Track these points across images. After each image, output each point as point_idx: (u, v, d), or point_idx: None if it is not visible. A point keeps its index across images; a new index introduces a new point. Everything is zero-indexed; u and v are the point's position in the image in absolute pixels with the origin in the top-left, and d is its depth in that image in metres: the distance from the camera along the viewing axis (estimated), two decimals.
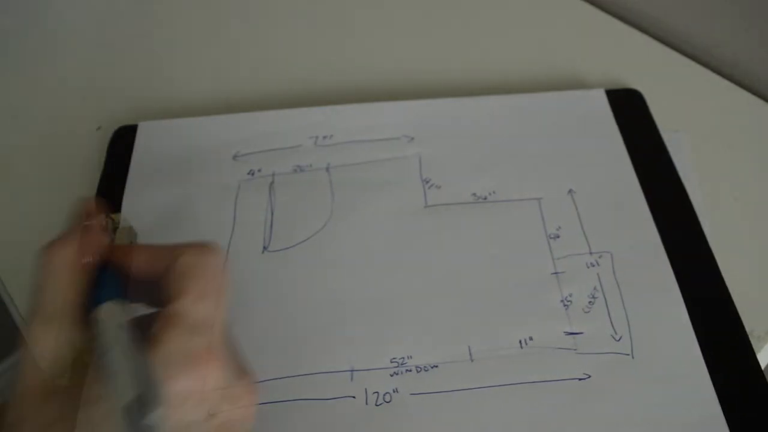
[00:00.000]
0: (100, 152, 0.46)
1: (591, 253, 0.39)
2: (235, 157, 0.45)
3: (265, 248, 0.40)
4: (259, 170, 0.44)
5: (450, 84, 0.49)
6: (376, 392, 0.35)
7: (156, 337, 0.24)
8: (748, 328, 0.36)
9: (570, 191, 0.42)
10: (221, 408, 0.25)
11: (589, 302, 0.37)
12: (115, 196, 0.43)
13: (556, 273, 0.39)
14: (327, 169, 0.44)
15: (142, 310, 0.27)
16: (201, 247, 0.26)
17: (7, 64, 0.55)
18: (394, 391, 0.35)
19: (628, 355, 0.35)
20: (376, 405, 0.35)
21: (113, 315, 0.24)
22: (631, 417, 0.33)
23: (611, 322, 0.37)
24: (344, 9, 0.57)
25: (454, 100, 0.47)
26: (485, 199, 0.42)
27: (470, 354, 0.36)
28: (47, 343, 0.24)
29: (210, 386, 0.24)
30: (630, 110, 0.46)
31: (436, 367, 0.36)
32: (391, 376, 0.35)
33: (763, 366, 0.36)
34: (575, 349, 0.36)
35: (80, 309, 0.25)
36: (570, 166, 0.43)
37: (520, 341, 0.36)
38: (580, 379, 0.35)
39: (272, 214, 0.42)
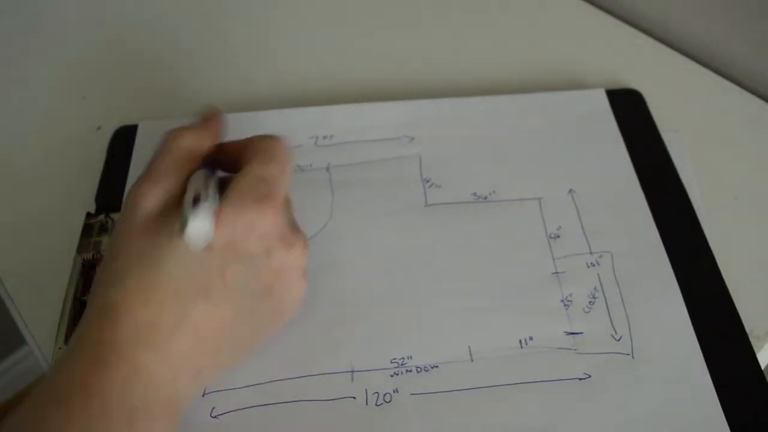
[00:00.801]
0: (100, 152, 0.46)
1: (591, 253, 0.39)
2: None
3: None
4: None
5: (450, 84, 0.49)
6: (377, 392, 0.35)
7: (230, 185, 0.31)
8: (748, 328, 0.36)
9: (570, 191, 0.42)
10: (278, 247, 0.31)
11: (589, 302, 0.37)
12: (115, 196, 0.43)
13: (556, 273, 0.39)
14: (327, 169, 0.44)
15: None
16: (268, 135, 0.34)
17: (7, 64, 0.55)
18: (394, 392, 0.35)
19: (628, 355, 0.35)
20: (377, 405, 0.35)
21: (201, 175, 0.31)
22: (631, 417, 0.33)
23: (611, 322, 0.37)
24: (344, 9, 0.57)
25: (455, 100, 0.47)
26: (485, 198, 0.42)
27: (470, 354, 0.36)
28: (151, 195, 0.31)
29: (269, 224, 0.31)
30: (630, 110, 0.46)
31: (436, 367, 0.36)
32: (392, 376, 0.35)
33: (763, 366, 0.36)
34: (575, 349, 0.36)
35: (182, 178, 0.32)
36: (570, 166, 0.43)
37: (520, 341, 0.36)
38: (580, 379, 0.35)
39: None
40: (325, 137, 0.45)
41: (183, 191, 0.31)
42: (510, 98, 0.47)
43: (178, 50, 0.54)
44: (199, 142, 0.33)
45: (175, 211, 0.30)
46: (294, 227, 0.34)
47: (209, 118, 0.35)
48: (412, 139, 0.45)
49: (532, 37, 0.53)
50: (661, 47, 0.52)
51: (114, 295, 0.29)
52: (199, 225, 0.28)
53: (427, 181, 0.43)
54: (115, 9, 0.58)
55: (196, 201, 0.29)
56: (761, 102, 0.48)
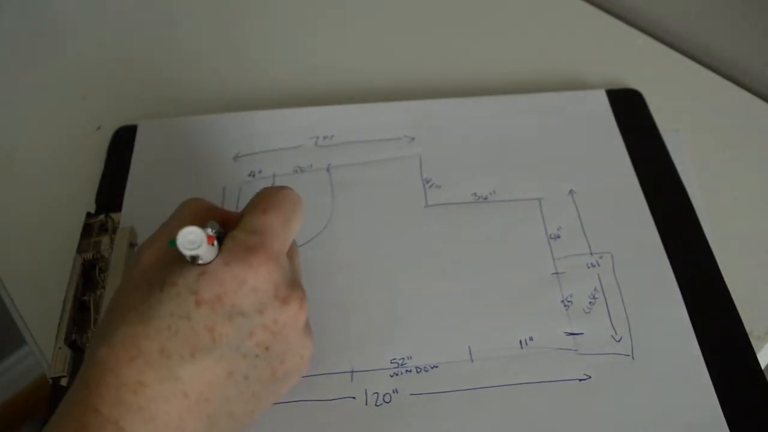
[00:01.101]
0: (100, 152, 0.46)
1: (591, 254, 0.39)
2: (235, 157, 0.45)
3: None
4: (260, 171, 0.44)
5: (450, 84, 0.49)
6: (376, 393, 0.35)
7: (225, 239, 0.30)
8: (748, 328, 0.36)
9: (570, 191, 0.42)
10: (271, 304, 0.29)
11: (590, 303, 0.37)
12: (115, 196, 0.43)
13: (556, 273, 0.39)
14: (327, 170, 0.44)
15: None
16: (274, 186, 0.32)
17: (7, 64, 0.55)
18: (394, 392, 0.35)
19: (628, 355, 0.35)
20: (376, 405, 0.35)
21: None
22: (631, 417, 0.33)
23: (611, 323, 0.37)
24: (345, 9, 0.57)
25: (455, 100, 0.47)
26: (486, 198, 0.42)
27: (470, 354, 0.36)
28: (153, 249, 0.30)
29: (260, 278, 0.28)
30: (630, 110, 0.46)
31: (436, 367, 0.36)
32: (391, 376, 0.35)
33: (763, 366, 0.36)
34: (575, 350, 0.36)
35: None
36: (570, 166, 0.43)
37: (521, 341, 0.36)
38: (580, 380, 0.35)
39: None
40: (325, 137, 0.45)
41: None
42: (510, 98, 0.47)
43: (179, 50, 0.54)
44: (213, 209, 0.33)
45: (174, 262, 0.29)
46: (292, 282, 0.31)
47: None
48: (413, 139, 0.45)
49: (532, 37, 0.53)
50: (661, 47, 0.52)
51: (102, 352, 0.27)
52: (193, 229, 0.27)
53: (428, 182, 0.43)
54: (116, 9, 0.58)
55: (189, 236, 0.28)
56: (761, 102, 0.48)
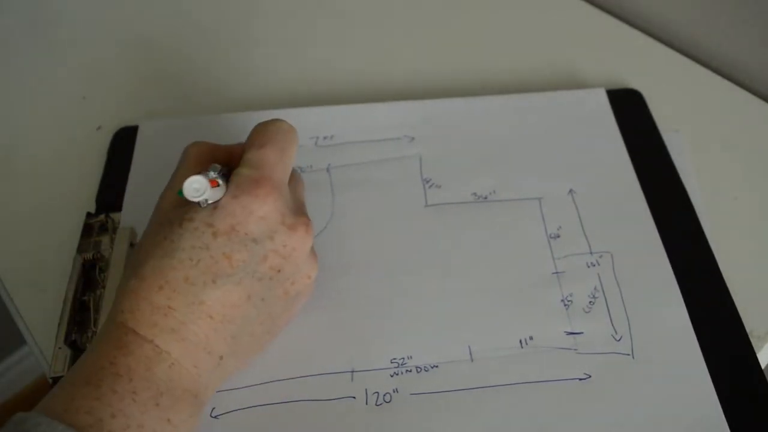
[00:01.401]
0: (100, 152, 0.46)
1: (591, 253, 0.39)
2: None
3: None
4: None
5: (450, 84, 0.49)
6: (377, 392, 0.35)
7: (231, 174, 0.32)
8: (748, 328, 0.36)
9: (570, 191, 0.42)
10: (280, 230, 0.32)
11: (590, 302, 0.37)
12: (115, 196, 0.43)
13: (556, 273, 0.39)
14: (327, 170, 0.44)
15: None
16: (266, 120, 0.35)
17: (7, 64, 0.55)
18: (394, 391, 0.35)
19: (628, 355, 0.35)
20: (377, 405, 0.35)
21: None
22: (631, 417, 0.33)
23: (611, 322, 0.37)
24: (345, 9, 0.57)
25: (455, 100, 0.47)
26: (486, 198, 0.42)
27: (470, 354, 0.36)
28: (168, 194, 0.34)
29: (268, 207, 0.31)
30: (630, 110, 0.46)
31: (436, 367, 0.36)
32: (391, 376, 0.35)
33: (763, 366, 0.36)
34: (575, 349, 0.36)
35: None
36: (570, 165, 0.43)
37: (521, 341, 0.36)
38: (580, 379, 0.35)
39: None
40: (325, 138, 0.45)
41: None
42: (510, 98, 0.47)
43: (179, 50, 0.54)
44: (215, 149, 0.35)
45: (185, 204, 0.32)
46: (297, 209, 0.34)
47: (235, 144, 0.36)
48: (413, 139, 0.45)
49: (533, 37, 0.53)
50: (661, 47, 0.52)
51: (133, 283, 0.31)
52: (197, 178, 0.30)
53: (428, 182, 0.43)
54: (116, 9, 0.58)
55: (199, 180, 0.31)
56: (761, 102, 0.48)
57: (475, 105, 0.47)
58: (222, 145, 0.36)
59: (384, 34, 0.55)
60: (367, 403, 0.35)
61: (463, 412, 0.34)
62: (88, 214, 0.42)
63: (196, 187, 0.31)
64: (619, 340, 0.36)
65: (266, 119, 0.35)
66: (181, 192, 0.31)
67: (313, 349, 0.36)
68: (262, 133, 0.34)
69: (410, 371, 0.36)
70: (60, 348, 0.36)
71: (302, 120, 0.46)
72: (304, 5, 0.57)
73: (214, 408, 0.35)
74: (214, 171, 0.32)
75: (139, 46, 0.55)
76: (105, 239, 0.41)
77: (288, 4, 0.57)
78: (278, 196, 0.32)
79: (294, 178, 0.36)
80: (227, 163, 0.34)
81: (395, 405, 0.34)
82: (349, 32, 0.55)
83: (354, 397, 0.35)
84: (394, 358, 0.36)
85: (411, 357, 0.36)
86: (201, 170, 0.32)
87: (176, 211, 0.32)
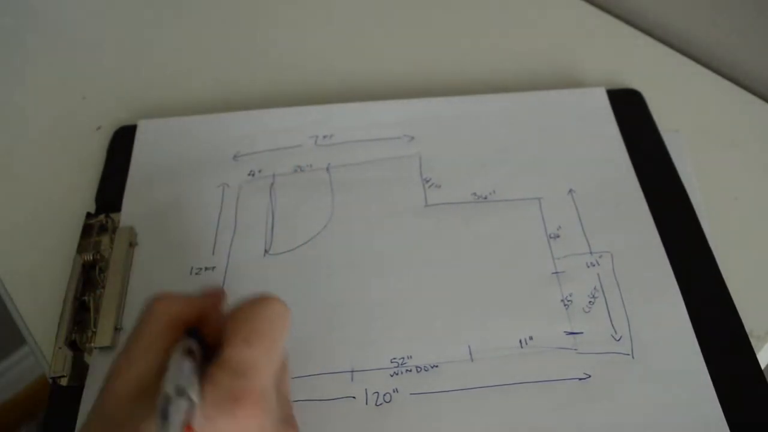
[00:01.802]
0: (100, 152, 0.46)
1: (591, 253, 0.39)
2: (235, 157, 0.45)
3: (266, 251, 0.40)
4: (260, 171, 0.44)
5: (450, 83, 0.49)
6: (377, 392, 0.35)
7: (205, 377, 0.25)
8: (748, 328, 0.36)
9: (570, 191, 0.42)
10: None
11: (589, 302, 0.37)
12: (115, 196, 0.43)
13: (556, 273, 0.39)
14: (327, 169, 0.44)
15: None
16: (257, 298, 0.28)
17: (7, 64, 0.55)
18: (394, 391, 0.35)
19: (628, 355, 0.35)
20: (376, 405, 0.35)
21: (179, 360, 0.26)
22: (631, 417, 0.33)
23: (611, 322, 0.37)
24: (344, 8, 0.57)
25: (455, 98, 0.47)
26: (485, 198, 0.42)
27: (470, 354, 0.36)
28: (126, 377, 0.26)
29: (250, 427, 0.25)
30: (630, 110, 0.46)
31: (436, 367, 0.36)
32: (391, 376, 0.35)
33: (763, 366, 0.36)
34: (575, 349, 0.36)
35: (162, 353, 0.27)
36: (570, 165, 0.43)
37: (521, 341, 0.36)
38: (580, 379, 0.35)
39: (273, 216, 0.42)
40: (325, 137, 0.45)
41: (160, 371, 0.26)
42: (510, 97, 0.47)
43: (179, 50, 0.54)
44: (184, 307, 0.29)
45: (145, 398, 0.25)
46: (285, 419, 0.28)
47: (208, 293, 0.30)
48: (412, 138, 0.45)
49: (533, 36, 0.53)
50: (661, 47, 0.52)
51: None
52: (183, 404, 0.24)
53: (427, 181, 0.43)
54: (116, 9, 0.58)
55: (167, 400, 0.24)
56: (761, 102, 0.48)
57: (475, 104, 0.47)
58: (193, 298, 0.29)
59: (384, 33, 0.55)
60: (367, 403, 0.35)
61: (463, 412, 0.34)
62: (88, 214, 0.42)
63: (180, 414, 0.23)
64: (618, 339, 0.36)
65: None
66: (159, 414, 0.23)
67: (314, 349, 0.36)
68: (250, 320, 0.27)
69: (410, 371, 0.36)
70: (60, 348, 0.36)
71: (302, 119, 0.46)
72: (304, 5, 0.57)
73: None
74: (191, 380, 0.24)
75: (140, 45, 0.55)
76: (105, 239, 0.41)
77: (287, 4, 0.57)
78: (263, 414, 0.25)
79: (281, 367, 0.29)
80: (198, 326, 0.28)
81: (395, 405, 0.34)
82: (350, 30, 0.55)
83: (354, 397, 0.35)
84: (394, 358, 0.36)
85: (411, 357, 0.36)
86: (174, 380, 0.24)
87: (130, 410, 0.25)
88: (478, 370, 0.35)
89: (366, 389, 0.35)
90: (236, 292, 0.30)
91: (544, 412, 0.34)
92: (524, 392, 0.34)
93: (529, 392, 0.34)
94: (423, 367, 0.36)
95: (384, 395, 0.35)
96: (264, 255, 0.40)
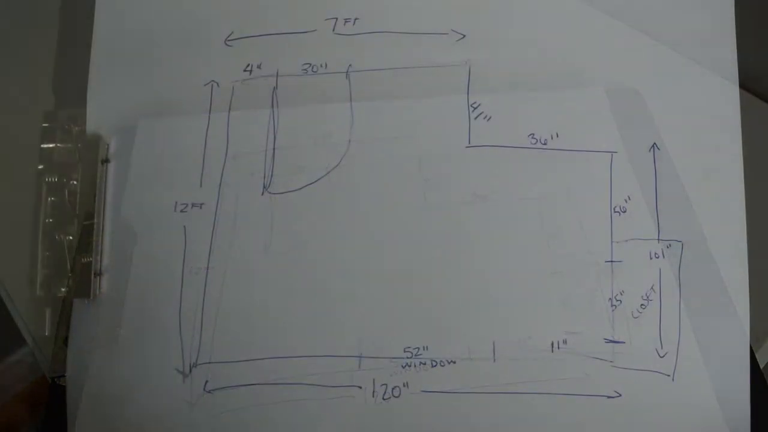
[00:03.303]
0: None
1: (659, 240, 0.32)
2: (227, 40, 0.34)
3: (265, 188, 0.33)
4: (259, 66, 0.34)
5: None
6: (384, 384, 0.32)
7: None
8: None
9: (653, 146, 0.33)
10: None
11: (641, 305, 0.32)
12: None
13: (611, 261, 0.32)
14: (347, 74, 0.34)
15: None
16: None
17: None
18: (404, 386, 0.32)
19: (668, 376, 0.32)
20: (383, 399, 0.32)
21: None
22: None
23: (660, 334, 0.32)
24: None
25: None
26: (545, 144, 0.33)
27: (494, 351, 0.32)
28: None
29: None
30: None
31: (454, 363, 0.32)
32: (403, 367, 0.32)
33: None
34: (611, 361, 0.32)
35: None
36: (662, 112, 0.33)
37: (552, 344, 0.32)
38: (608, 397, 0.32)
39: (275, 139, 0.33)
40: (347, 21, 0.34)
41: None
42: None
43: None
44: None
45: None
46: None
47: None
48: (463, 37, 0.34)
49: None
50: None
51: None
52: None
53: (475, 109, 0.33)
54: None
55: None
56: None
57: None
58: None
59: None
60: (373, 396, 0.32)
61: (477, 418, 0.32)
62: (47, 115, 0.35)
63: None
64: (663, 356, 0.32)
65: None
66: None
67: (319, 326, 0.32)
68: None
69: (424, 364, 0.32)
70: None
71: None
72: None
73: (207, 381, 0.32)
74: None
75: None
76: (68, 151, 0.34)
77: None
78: None
79: None
80: None
81: (403, 401, 0.32)
82: None
83: (360, 387, 0.32)
84: (408, 347, 0.32)
85: (427, 348, 0.32)
86: None
87: None
88: (499, 372, 0.32)
89: (374, 379, 0.32)
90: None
91: (563, 428, 0.31)
92: (546, 403, 0.32)
93: (552, 404, 0.32)
94: (439, 362, 0.32)
95: (393, 389, 0.32)
96: (262, 192, 0.33)
